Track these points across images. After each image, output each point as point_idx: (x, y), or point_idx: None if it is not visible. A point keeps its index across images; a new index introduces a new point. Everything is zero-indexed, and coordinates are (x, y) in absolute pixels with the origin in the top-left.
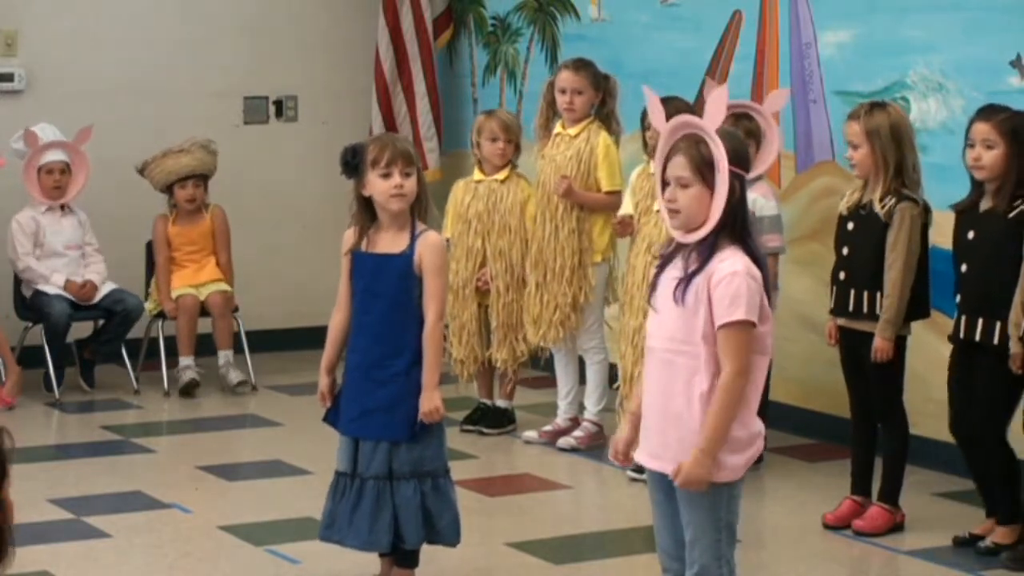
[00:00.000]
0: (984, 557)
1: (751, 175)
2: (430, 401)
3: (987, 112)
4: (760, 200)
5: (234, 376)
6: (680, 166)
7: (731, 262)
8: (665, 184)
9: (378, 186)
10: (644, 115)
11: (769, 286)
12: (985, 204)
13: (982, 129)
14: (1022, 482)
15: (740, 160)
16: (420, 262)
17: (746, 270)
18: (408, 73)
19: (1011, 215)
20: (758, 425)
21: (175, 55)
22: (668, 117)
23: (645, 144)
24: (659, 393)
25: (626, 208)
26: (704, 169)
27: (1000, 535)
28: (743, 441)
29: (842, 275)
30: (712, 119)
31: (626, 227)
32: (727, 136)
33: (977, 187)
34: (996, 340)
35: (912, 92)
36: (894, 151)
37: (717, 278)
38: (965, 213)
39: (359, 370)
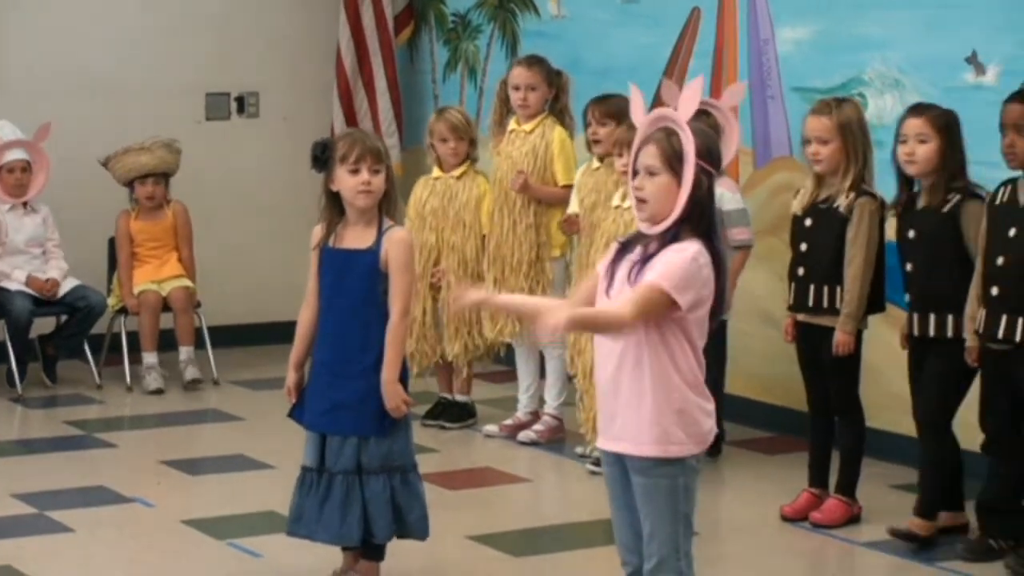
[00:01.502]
0: (941, 548)
1: None
2: (394, 396)
3: (918, 108)
4: (726, 194)
5: (189, 373)
6: (651, 155)
7: (686, 243)
8: (636, 174)
9: (346, 182)
10: (585, 114)
11: (726, 281)
12: (921, 202)
13: (915, 124)
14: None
15: (711, 157)
16: (386, 258)
17: (695, 254)
18: (369, 69)
19: (945, 209)
20: (703, 406)
21: (137, 52)
22: (613, 114)
23: (588, 144)
24: (610, 377)
25: (572, 206)
26: (674, 160)
27: (918, 525)
28: (694, 416)
29: (801, 271)
30: (685, 111)
31: (572, 225)
32: (699, 133)
33: (906, 183)
34: (950, 333)
35: (869, 88)
36: (863, 144)
37: (667, 252)
38: (904, 211)
39: (326, 366)
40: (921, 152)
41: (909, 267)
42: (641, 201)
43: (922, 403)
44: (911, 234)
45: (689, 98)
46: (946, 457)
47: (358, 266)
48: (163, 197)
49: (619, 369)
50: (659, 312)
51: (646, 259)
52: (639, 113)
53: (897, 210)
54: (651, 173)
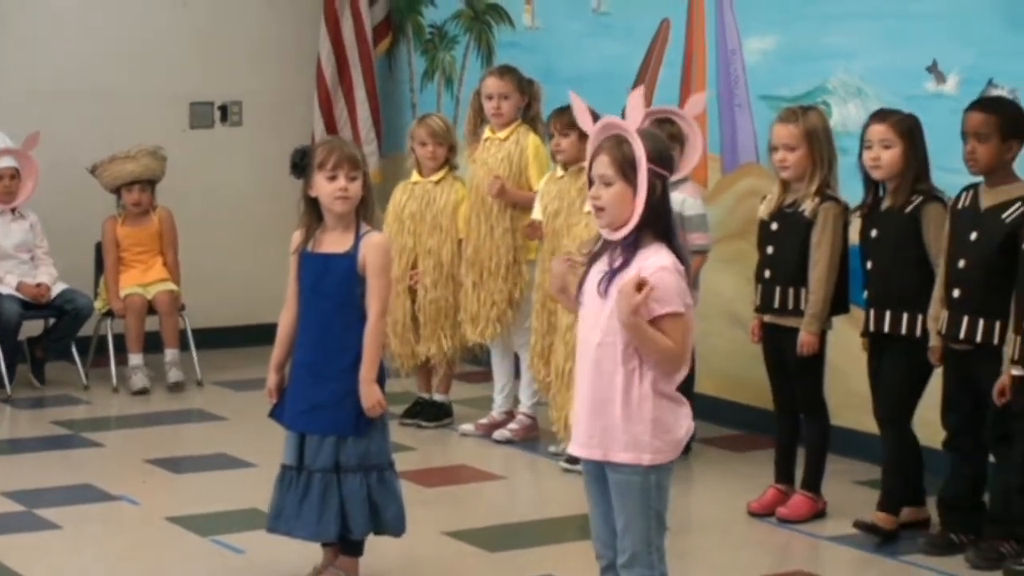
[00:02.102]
0: (903, 542)
1: (677, 176)
2: (371, 396)
3: (882, 114)
4: (688, 200)
5: (173, 376)
6: (603, 164)
7: (658, 258)
8: (592, 183)
9: (324, 188)
10: (549, 124)
11: (690, 283)
12: (886, 203)
13: (879, 130)
14: (923, 467)
15: (662, 160)
16: (364, 262)
17: (672, 266)
18: (349, 79)
19: (907, 210)
20: (679, 410)
21: (123, 62)
22: (575, 124)
23: (552, 154)
24: (587, 384)
25: (536, 213)
26: (626, 168)
27: (882, 519)
28: (668, 424)
29: (767, 273)
30: (631, 119)
31: (535, 231)
32: (649, 137)
33: (872, 187)
34: (904, 331)
35: (833, 97)
36: (828, 151)
37: (647, 273)
38: (869, 212)
39: (305, 366)
40: (886, 157)
41: (870, 265)
42: (599, 209)
43: (882, 401)
44: (873, 233)
45: (634, 106)
46: (907, 453)
47: (336, 270)
48: (149, 203)
49: (595, 378)
50: (688, 325)
51: (614, 272)
52: (586, 121)
53: (862, 211)
54: (606, 183)
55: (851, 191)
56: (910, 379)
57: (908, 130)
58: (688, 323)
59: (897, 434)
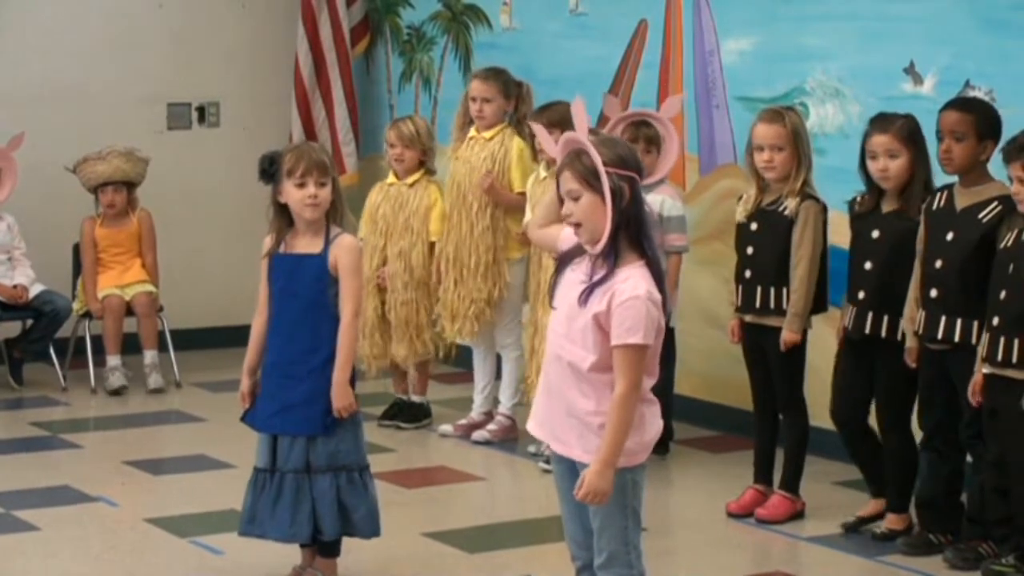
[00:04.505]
0: (880, 543)
1: (654, 178)
2: (343, 397)
3: (882, 122)
4: (668, 201)
5: (152, 382)
6: (568, 180)
7: (633, 283)
8: (563, 202)
9: (293, 195)
10: (530, 125)
11: (666, 287)
12: (889, 205)
13: (882, 141)
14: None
15: (624, 163)
16: (335, 263)
17: (647, 294)
18: (326, 80)
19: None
20: (649, 410)
21: (100, 63)
22: (556, 122)
23: (534, 152)
24: (557, 387)
25: (527, 217)
26: (590, 178)
27: (894, 521)
28: (641, 426)
29: (748, 273)
30: (579, 129)
31: None
32: (605, 143)
33: (875, 188)
34: (900, 335)
35: (811, 98)
36: (809, 149)
37: (620, 299)
38: (868, 214)
39: (276, 368)
40: (894, 167)
41: (869, 265)
42: (576, 225)
43: (885, 405)
44: (875, 234)
45: (576, 117)
46: (909, 453)
47: (308, 269)
48: (124, 204)
49: (568, 384)
50: (645, 358)
51: (594, 284)
52: (549, 145)
53: (857, 211)
54: (574, 197)
55: (827, 193)
56: (911, 381)
57: (910, 135)
58: (643, 355)
59: (901, 437)
